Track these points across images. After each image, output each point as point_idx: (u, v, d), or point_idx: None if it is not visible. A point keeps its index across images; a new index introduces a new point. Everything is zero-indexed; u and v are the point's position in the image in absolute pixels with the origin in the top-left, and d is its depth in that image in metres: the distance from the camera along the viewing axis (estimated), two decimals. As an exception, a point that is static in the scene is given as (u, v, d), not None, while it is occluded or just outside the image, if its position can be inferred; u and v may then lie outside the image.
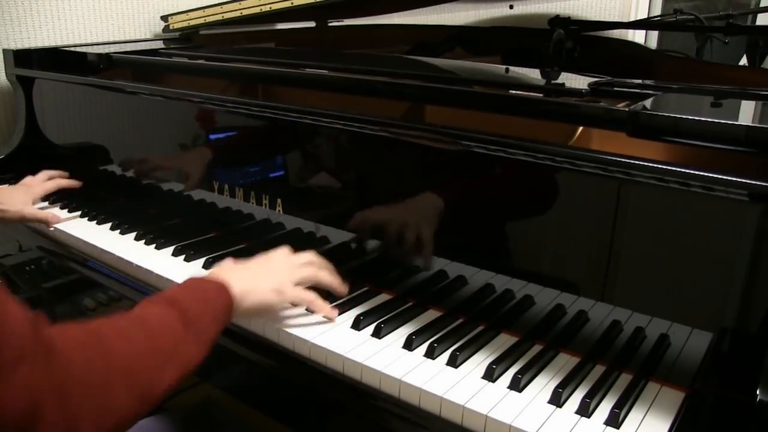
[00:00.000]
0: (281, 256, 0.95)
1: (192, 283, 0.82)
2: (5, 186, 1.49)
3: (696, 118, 0.75)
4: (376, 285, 1.02)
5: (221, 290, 0.82)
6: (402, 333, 0.90)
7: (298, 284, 0.92)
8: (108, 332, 0.64)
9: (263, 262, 0.93)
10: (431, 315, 0.95)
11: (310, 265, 0.95)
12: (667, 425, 0.72)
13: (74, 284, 1.47)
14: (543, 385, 0.79)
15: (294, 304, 0.94)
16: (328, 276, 0.95)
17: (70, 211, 1.40)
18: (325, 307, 0.92)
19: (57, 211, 1.39)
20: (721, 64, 1.53)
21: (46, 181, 1.39)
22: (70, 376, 0.57)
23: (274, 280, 0.89)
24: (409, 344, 0.86)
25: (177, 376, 0.69)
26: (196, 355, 0.73)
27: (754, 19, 2.00)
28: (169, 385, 0.68)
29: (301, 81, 1.20)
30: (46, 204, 1.43)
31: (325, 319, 0.93)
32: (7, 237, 1.50)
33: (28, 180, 1.39)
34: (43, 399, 0.55)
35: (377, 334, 0.89)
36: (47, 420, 0.55)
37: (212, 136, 1.26)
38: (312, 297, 0.92)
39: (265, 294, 0.87)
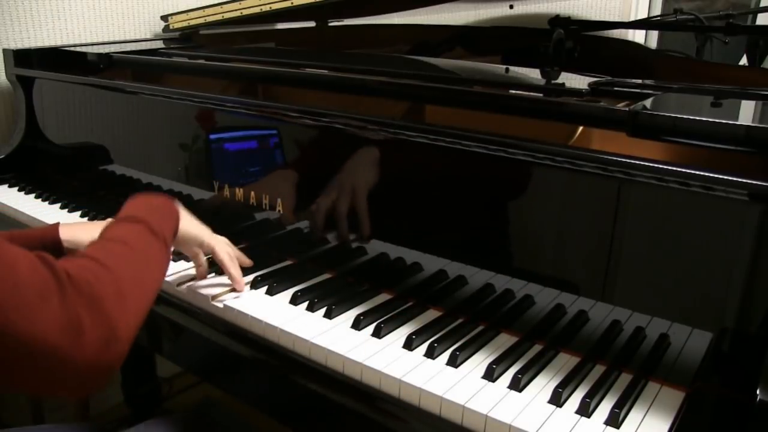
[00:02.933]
0: None
1: (142, 200, 0.92)
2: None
3: (696, 118, 0.75)
4: (376, 285, 1.02)
5: (169, 203, 0.95)
6: (402, 333, 0.90)
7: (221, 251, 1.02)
8: (101, 256, 0.73)
9: None
10: (431, 315, 0.95)
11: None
12: (667, 425, 0.72)
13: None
14: (543, 385, 0.79)
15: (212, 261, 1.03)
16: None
17: (70, 212, 1.40)
18: (240, 282, 1.02)
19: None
20: (721, 64, 1.53)
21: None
22: (93, 293, 0.67)
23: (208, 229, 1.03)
24: (409, 344, 0.86)
25: (161, 275, 0.84)
26: (167, 253, 0.87)
27: (754, 19, 2.00)
28: (159, 282, 0.83)
29: (301, 81, 1.20)
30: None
31: (324, 319, 0.93)
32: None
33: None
34: (81, 317, 0.65)
35: (377, 333, 0.89)
36: (89, 331, 0.65)
37: (212, 136, 1.26)
38: (232, 257, 1.03)
39: (199, 227, 1.02)
